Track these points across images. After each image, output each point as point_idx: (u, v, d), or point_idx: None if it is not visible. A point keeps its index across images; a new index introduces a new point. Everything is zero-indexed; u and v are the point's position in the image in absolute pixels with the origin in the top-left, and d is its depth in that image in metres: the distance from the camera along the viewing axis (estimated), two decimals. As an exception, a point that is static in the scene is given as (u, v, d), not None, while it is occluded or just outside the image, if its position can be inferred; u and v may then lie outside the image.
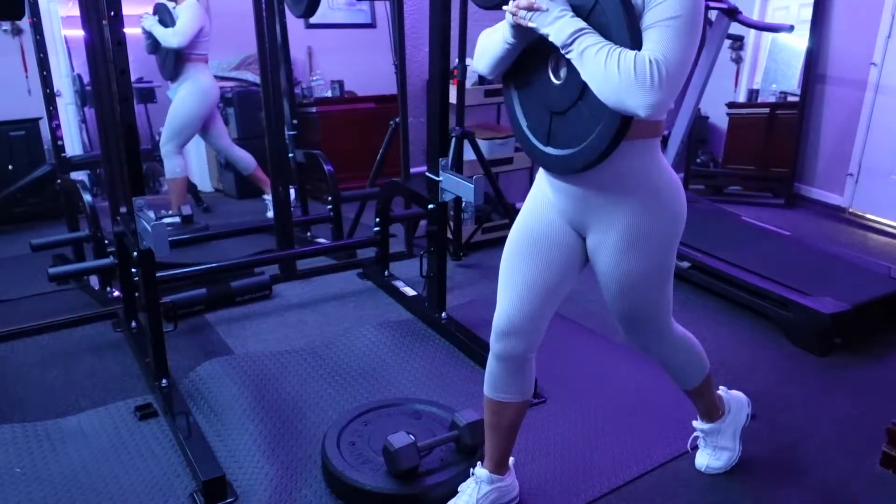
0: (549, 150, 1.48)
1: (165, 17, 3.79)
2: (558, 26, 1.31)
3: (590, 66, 1.28)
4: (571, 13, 1.32)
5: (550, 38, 1.33)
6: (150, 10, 3.88)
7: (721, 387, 2.02)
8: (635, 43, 1.27)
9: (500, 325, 1.63)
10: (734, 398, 2.00)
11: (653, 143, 1.46)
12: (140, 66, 4.44)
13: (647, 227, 1.49)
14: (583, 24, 1.30)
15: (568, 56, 1.31)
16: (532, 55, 1.45)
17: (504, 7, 1.42)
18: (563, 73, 1.40)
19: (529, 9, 1.34)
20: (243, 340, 2.76)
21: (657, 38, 1.25)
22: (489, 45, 1.50)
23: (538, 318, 1.61)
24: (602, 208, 1.50)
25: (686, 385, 1.86)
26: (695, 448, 2.04)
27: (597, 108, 1.33)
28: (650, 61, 1.23)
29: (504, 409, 1.71)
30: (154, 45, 3.85)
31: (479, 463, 1.80)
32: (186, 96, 3.89)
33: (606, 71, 1.25)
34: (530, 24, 1.35)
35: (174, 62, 3.83)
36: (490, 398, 1.71)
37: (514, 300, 1.60)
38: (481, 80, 4.51)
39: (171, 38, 3.73)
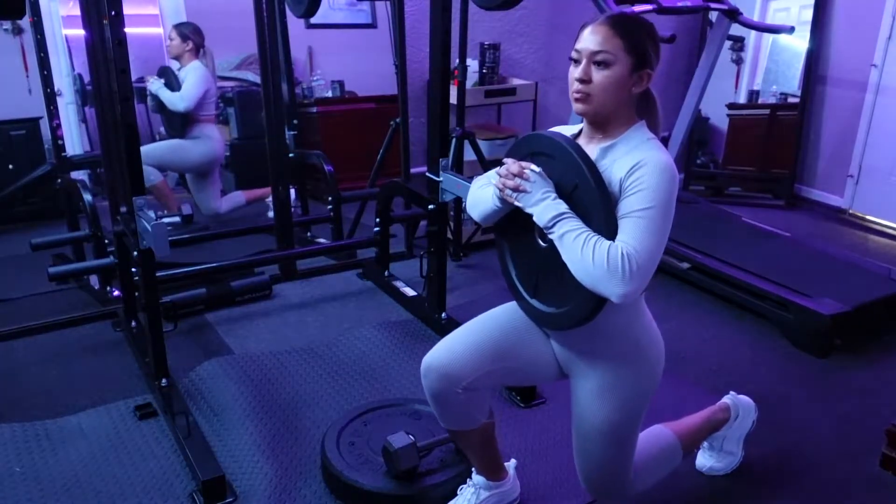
0: (535, 302, 1.53)
1: (171, 79, 3.79)
2: (541, 208, 1.36)
3: (568, 251, 1.32)
4: (553, 195, 1.36)
5: (534, 219, 1.37)
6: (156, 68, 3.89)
7: (731, 392, 2.01)
8: (610, 230, 1.32)
9: (428, 359, 1.56)
10: (742, 404, 1.99)
11: (637, 302, 1.49)
12: (140, 66, 4.43)
13: (625, 380, 1.51)
14: (564, 207, 1.35)
15: (549, 236, 1.36)
16: (522, 213, 1.44)
17: (493, 181, 1.46)
18: (548, 238, 1.41)
19: (515, 189, 1.38)
20: (243, 340, 2.76)
21: (631, 230, 1.30)
22: (480, 200, 1.54)
23: (473, 374, 1.53)
24: (583, 357, 1.54)
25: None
26: (698, 448, 2.04)
27: None
28: (622, 254, 1.27)
29: (462, 435, 1.67)
30: (160, 105, 3.85)
31: (474, 469, 1.79)
32: (193, 146, 3.84)
33: (583, 258, 1.30)
34: (516, 203, 1.40)
35: (181, 123, 3.83)
36: (442, 425, 1.67)
37: (461, 344, 1.55)
38: (482, 80, 4.52)
39: (178, 102, 3.73)
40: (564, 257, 1.34)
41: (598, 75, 1.35)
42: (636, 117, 1.43)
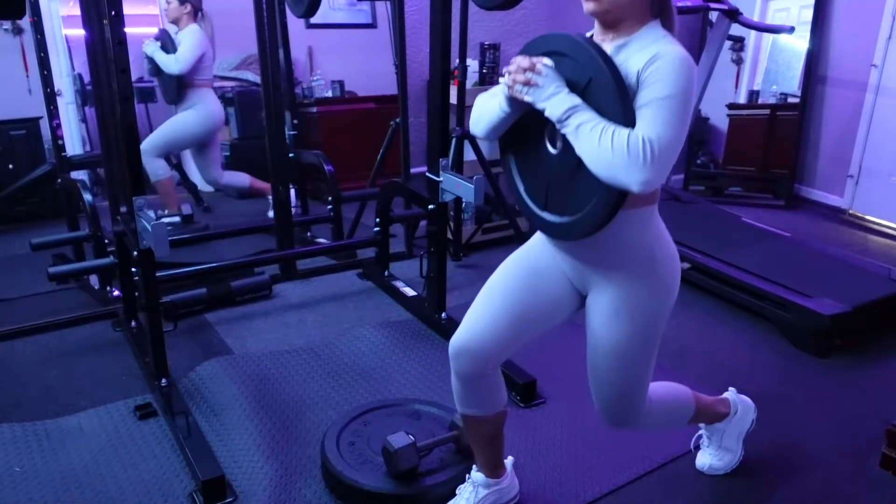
0: (546, 215, 1.49)
1: (167, 42, 3.77)
2: (554, 102, 1.32)
3: (584, 143, 1.29)
4: (566, 89, 1.33)
5: (546, 114, 1.34)
6: (155, 30, 3.87)
7: (731, 388, 2.02)
8: (628, 121, 1.28)
9: (456, 341, 1.58)
10: (742, 401, 1.99)
11: (650, 211, 1.47)
12: (140, 65, 4.44)
13: (640, 296, 1.49)
14: (577, 100, 1.31)
15: (563, 131, 1.33)
16: (529, 121, 1.42)
17: (501, 79, 1.42)
18: (559, 142, 1.39)
19: (526, 83, 1.35)
20: (243, 340, 2.76)
21: (651, 117, 1.27)
22: (486, 111, 1.51)
23: (501, 343, 1.55)
24: (598, 273, 1.51)
25: (676, 427, 1.86)
26: (697, 448, 2.04)
27: (593, 178, 1.33)
28: (643, 140, 1.24)
29: (477, 423, 1.68)
30: (156, 69, 3.83)
31: (474, 466, 1.79)
32: (192, 116, 3.83)
33: (600, 148, 1.26)
34: (526, 99, 1.36)
35: (177, 87, 3.81)
36: (461, 412, 1.68)
37: (482, 319, 1.56)
38: (482, 80, 4.51)
39: (172, 64, 3.70)
40: (580, 150, 1.30)
41: None
42: (650, 16, 1.40)
